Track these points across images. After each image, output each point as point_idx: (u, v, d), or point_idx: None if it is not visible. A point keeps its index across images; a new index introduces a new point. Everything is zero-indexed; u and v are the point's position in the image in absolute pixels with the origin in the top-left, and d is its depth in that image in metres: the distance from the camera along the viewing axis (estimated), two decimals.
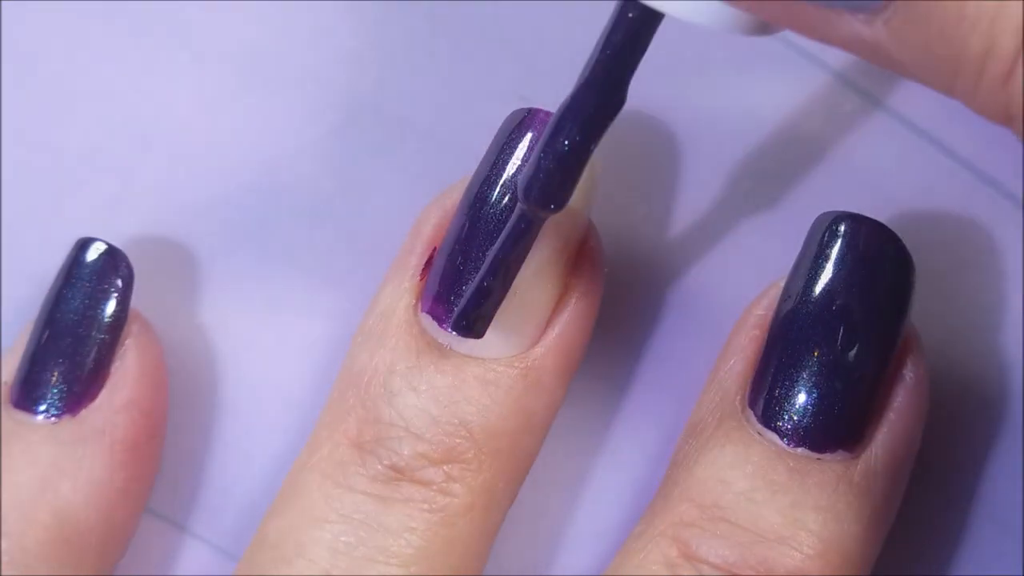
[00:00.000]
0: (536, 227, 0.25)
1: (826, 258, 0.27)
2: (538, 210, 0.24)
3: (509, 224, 0.25)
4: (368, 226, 0.31)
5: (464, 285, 0.27)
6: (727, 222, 0.30)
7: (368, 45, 0.31)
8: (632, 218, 0.30)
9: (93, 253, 0.29)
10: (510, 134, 0.27)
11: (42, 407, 0.28)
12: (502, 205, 0.27)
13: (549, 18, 0.30)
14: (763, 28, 0.22)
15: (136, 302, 0.30)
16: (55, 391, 0.28)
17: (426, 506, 0.27)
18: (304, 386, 0.31)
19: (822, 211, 0.28)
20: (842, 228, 0.27)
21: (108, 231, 0.31)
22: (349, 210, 0.31)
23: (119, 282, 0.29)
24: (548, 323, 0.28)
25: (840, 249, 0.27)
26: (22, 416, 0.28)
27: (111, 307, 0.29)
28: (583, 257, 0.28)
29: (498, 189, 0.27)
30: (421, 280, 0.28)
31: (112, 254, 0.29)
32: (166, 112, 0.31)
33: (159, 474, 0.30)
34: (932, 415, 0.29)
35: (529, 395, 0.27)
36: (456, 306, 0.26)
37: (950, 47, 0.18)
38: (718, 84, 0.30)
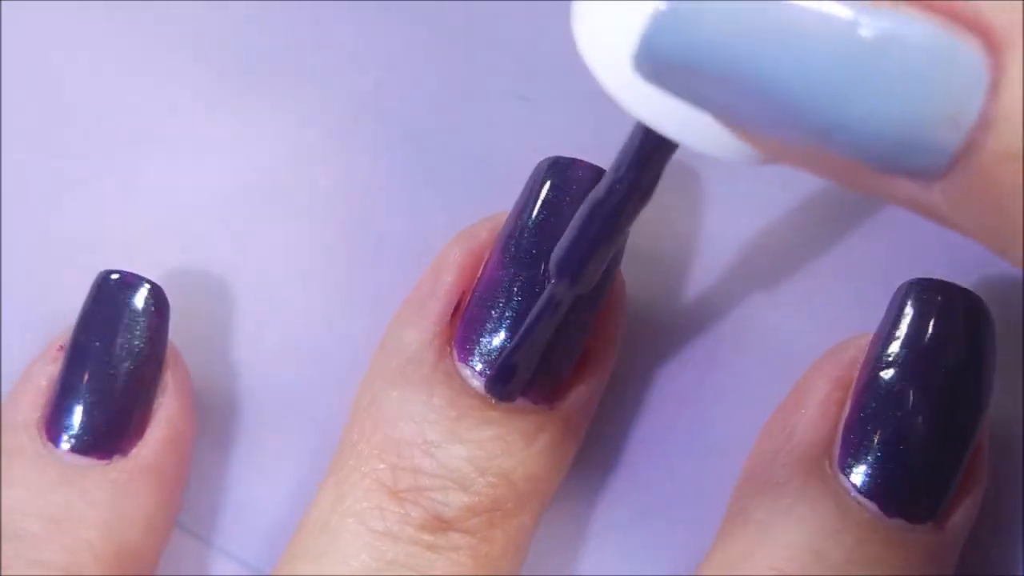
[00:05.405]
0: (565, 304, 0.25)
1: (925, 331, 0.27)
2: (568, 290, 0.25)
3: (540, 302, 0.26)
4: (368, 226, 0.31)
5: (506, 339, 0.27)
6: (738, 228, 0.30)
7: (368, 45, 0.31)
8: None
9: (127, 290, 0.28)
10: (550, 186, 0.28)
11: (85, 446, 0.28)
12: (538, 255, 0.27)
13: (549, 18, 0.30)
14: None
15: None
16: (91, 429, 0.28)
17: (470, 553, 0.27)
18: (303, 388, 0.31)
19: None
20: (938, 298, 0.27)
21: (107, 231, 0.31)
22: (349, 210, 0.31)
23: (158, 319, 0.29)
24: (579, 368, 0.28)
25: (938, 322, 0.27)
26: (72, 459, 0.28)
27: (151, 345, 0.28)
28: (610, 300, 0.28)
29: (538, 240, 0.27)
30: (451, 326, 0.28)
31: (151, 291, 0.28)
32: (166, 112, 0.31)
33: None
34: None
35: (567, 440, 0.28)
36: (494, 360, 0.27)
37: (1005, 218, 0.18)
38: None
